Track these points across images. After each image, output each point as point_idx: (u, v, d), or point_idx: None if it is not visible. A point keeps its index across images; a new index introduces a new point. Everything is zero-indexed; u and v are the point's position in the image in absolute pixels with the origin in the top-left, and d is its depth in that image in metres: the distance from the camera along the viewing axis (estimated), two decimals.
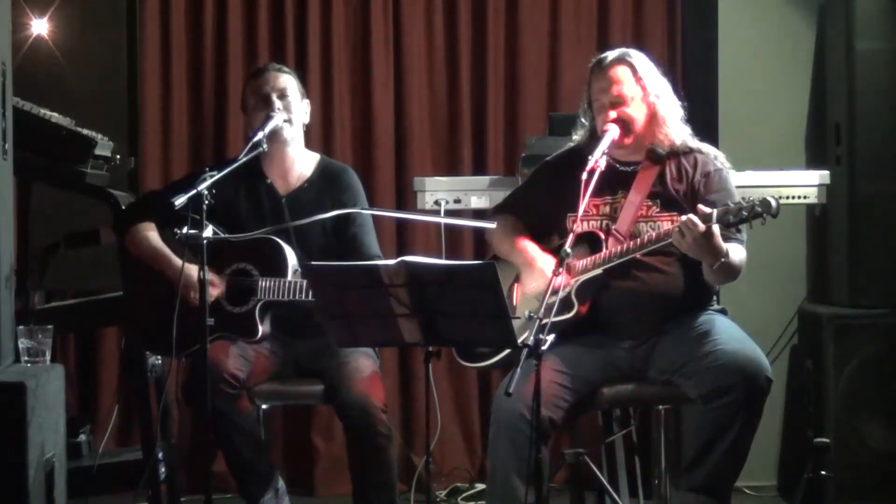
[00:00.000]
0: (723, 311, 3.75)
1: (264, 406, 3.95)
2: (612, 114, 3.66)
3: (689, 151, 3.74)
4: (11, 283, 3.46)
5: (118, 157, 4.31)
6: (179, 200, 3.44)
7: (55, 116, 4.03)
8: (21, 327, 3.47)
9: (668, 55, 5.15)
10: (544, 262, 3.70)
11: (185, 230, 3.48)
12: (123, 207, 4.10)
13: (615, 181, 3.72)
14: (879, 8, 4.75)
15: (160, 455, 4.17)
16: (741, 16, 5.23)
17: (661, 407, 3.92)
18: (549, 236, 3.89)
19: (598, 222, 3.71)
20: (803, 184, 4.49)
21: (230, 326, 3.80)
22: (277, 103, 3.94)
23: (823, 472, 4.10)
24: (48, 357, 3.46)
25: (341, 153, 5.08)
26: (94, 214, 4.26)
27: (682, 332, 3.62)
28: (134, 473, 4.16)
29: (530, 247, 3.77)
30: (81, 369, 5.10)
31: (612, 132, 3.62)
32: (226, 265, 3.84)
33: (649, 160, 3.73)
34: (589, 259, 3.63)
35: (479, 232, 4.69)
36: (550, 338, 3.11)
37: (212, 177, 3.50)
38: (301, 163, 4.05)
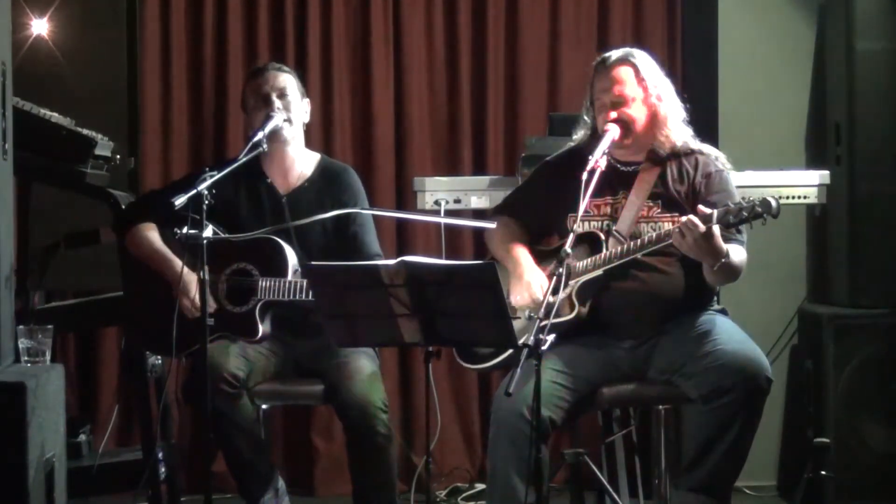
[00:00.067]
0: (723, 312, 3.75)
1: (264, 406, 3.94)
2: (613, 114, 3.66)
3: (691, 152, 3.74)
4: (11, 283, 3.46)
5: (118, 157, 4.31)
6: (179, 200, 3.44)
7: (55, 116, 4.03)
8: (21, 327, 3.47)
9: (668, 55, 5.14)
10: (533, 275, 3.69)
11: (185, 230, 3.48)
12: (123, 207, 4.10)
13: (616, 181, 3.72)
14: (879, 8, 4.75)
15: (160, 455, 4.17)
16: (741, 16, 5.23)
17: (661, 407, 3.92)
18: (549, 236, 3.89)
19: (599, 223, 3.71)
20: (803, 184, 4.49)
21: (230, 326, 3.80)
22: (277, 103, 3.94)
23: (823, 472, 4.10)
24: (48, 357, 3.46)
25: (341, 153, 5.08)
26: (94, 214, 4.26)
27: (683, 333, 3.62)
28: (134, 473, 4.16)
29: (523, 257, 3.76)
30: (81, 369, 5.10)
31: (613, 132, 3.62)
32: (226, 265, 3.84)
33: (650, 161, 3.73)
34: (589, 260, 3.63)
35: (479, 232, 4.68)
36: (551, 338, 3.11)
37: (212, 177, 3.50)
38: (301, 162, 4.05)
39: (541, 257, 3.78)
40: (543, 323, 3.16)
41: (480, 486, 4.96)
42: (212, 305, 3.75)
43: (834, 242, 4.92)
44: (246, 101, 4.03)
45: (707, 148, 3.78)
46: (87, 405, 5.06)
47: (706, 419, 3.52)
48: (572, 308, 3.62)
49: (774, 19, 5.26)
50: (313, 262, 3.53)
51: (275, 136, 3.90)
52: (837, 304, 4.83)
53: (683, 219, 3.45)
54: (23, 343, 3.44)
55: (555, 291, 3.34)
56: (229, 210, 3.94)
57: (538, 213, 3.85)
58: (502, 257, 3.80)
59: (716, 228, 3.42)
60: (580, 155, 3.62)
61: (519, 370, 3.12)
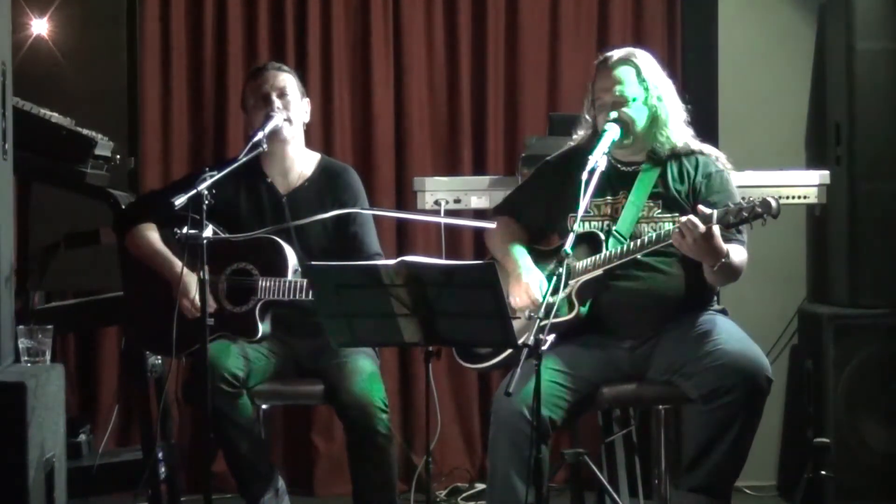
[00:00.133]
0: (723, 311, 3.74)
1: (264, 406, 3.94)
2: (613, 114, 3.66)
3: (691, 153, 3.74)
4: (11, 283, 3.46)
5: (118, 157, 4.31)
6: (179, 200, 3.44)
7: (55, 116, 4.03)
8: (21, 327, 3.47)
9: (668, 55, 5.14)
10: (531, 277, 3.69)
11: (185, 230, 3.47)
12: (123, 207, 4.10)
13: (616, 181, 3.72)
14: (879, 8, 4.75)
15: (160, 455, 4.17)
16: (741, 16, 5.23)
17: (661, 407, 3.92)
18: (549, 236, 3.89)
19: (599, 223, 3.71)
20: (803, 184, 4.49)
21: (230, 326, 3.80)
22: (277, 102, 3.94)
23: (823, 472, 4.09)
24: (48, 357, 3.46)
25: (341, 153, 5.08)
26: (94, 214, 4.26)
27: (683, 333, 3.62)
28: (134, 473, 4.16)
29: (521, 258, 3.76)
30: (81, 369, 5.10)
31: (612, 132, 3.62)
32: (226, 265, 3.84)
33: (650, 161, 3.73)
34: (589, 260, 3.63)
35: (479, 232, 4.68)
36: (550, 338, 3.11)
37: (212, 177, 3.50)
38: (301, 162, 4.05)
39: (541, 257, 3.78)
40: (543, 323, 3.16)
41: (480, 486, 4.96)
42: (212, 305, 3.75)
43: (834, 242, 4.92)
44: (246, 101, 4.03)
45: (707, 148, 3.77)
46: (87, 405, 5.06)
47: (706, 419, 3.52)
48: (572, 308, 3.61)
49: (774, 19, 5.27)
50: (313, 262, 3.53)
51: (275, 135, 3.90)
52: (837, 304, 4.83)
53: (683, 219, 3.45)
54: (23, 343, 3.44)
55: (555, 291, 3.33)
56: (229, 210, 3.94)
57: (538, 213, 3.85)
58: (502, 257, 3.80)
59: (716, 229, 3.42)
60: (581, 154, 3.61)
61: (519, 370, 3.12)
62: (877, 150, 4.75)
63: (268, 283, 3.78)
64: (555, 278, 3.31)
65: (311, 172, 4.05)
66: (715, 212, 3.42)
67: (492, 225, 3.83)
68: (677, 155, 3.73)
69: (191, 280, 3.75)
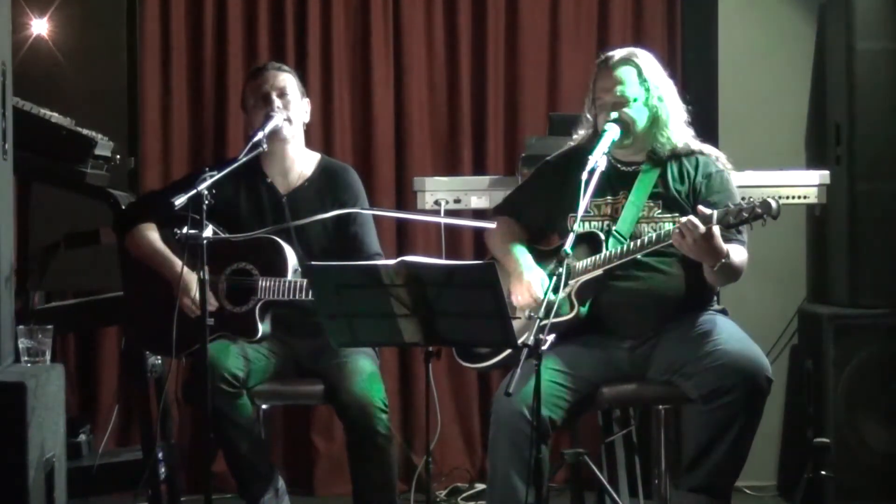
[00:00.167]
0: (723, 311, 3.74)
1: (264, 406, 3.94)
2: (614, 114, 3.65)
3: (691, 153, 3.74)
4: (11, 283, 3.46)
5: (118, 157, 4.31)
6: (179, 200, 3.44)
7: (55, 116, 4.03)
8: (21, 327, 3.47)
9: (668, 55, 5.14)
10: (533, 275, 3.69)
11: (185, 230, 3.47)
12: (123, 207, 4.10)
13: (616, 181, 3.72)
14: (879, 8, 4.75)
15: (160, 455, 4.17)
16: (741, 16, 5.23)
17: (661, 407, 3.92)
18: (549, 236, 3.89)
19: (599, 223, 3.71)
20: (803, 184, 4.49)
21: (230, 326, 3.80)
22: (277, 102, 3.94)
23: (823, 472, 4.10)
24: (48, 357, 3.46)
25: (341, 153, 5.08)
26: (94, 214, 4.26)
27: (683, 333, 3.62)
28: (134, 473, 4.16)
29: (522, 257, 3.75)
30: (81, 369, 5.10)
31: (612, 132, 3.62)
32: (226, 265, 3.84)
33: (650, 161, 3.73)
34: (589, 259, 3.63)
35: (479, 232, 4.68)
36: (551, 338, 3.11)
37: (212, 177, 3.49)
38: (301, 162, 4.05)
39: (541, 257, 3.78)
40: (543, 323, 3.16)
41: (480, 486, 4.96)
42: (214, 303, 3.76)
43: (834, 242, 4.92)
44: (246, 101, 4.03)
45: (707, 148, 3.77)
46: (87, 405, 5.06)
47: (706, 419, 3.52)
48: (572, 308, 3.61)
49: (774, 19, 5.27)
50: (313, 262, 3.53)
51: (275, 135, 3.90)
52: (837, 304, 4.83)
53: (683, 219, 3.45)
54: (23, 343, 3.44)
55: (555, 291, 3.33)
56: (229, 210, 3.94)
57: (539, 213, 3.85)
58: (502, 256, 3.80)
59: (716, 229, 3.41)
60: (581, 154, 3.60)
61: (519, 370, 3.11)
62: (877, 150, 4.75)
63: (268, 283, 3.78)
64: (555, 278, 3.31)
65: (311, 172, 4.05)
66: (715, 212, 3.42)
67: (492, 225, 3.83)
68: (677, 155, 3.73)
69: (191, 278, 3.75)
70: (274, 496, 3.88)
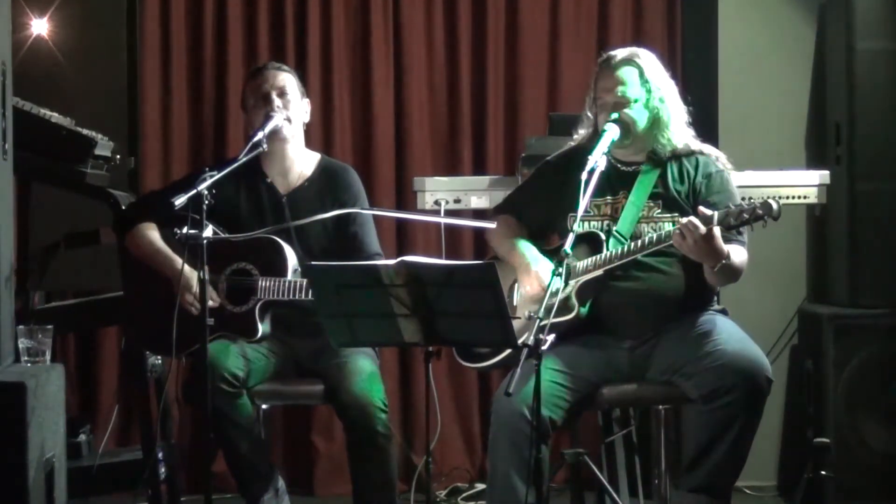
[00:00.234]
0: (723, 311, 3.74)
1: (264, 406, 3.94)
2: (614, 114, 3.65)
3: (691, 153, 3.74)
4: (11, 283, 3.46)
5: (118, 157, 4.31)
6: (179, 200, 3.44)
7: (55, 116, 4.03)
8: (21, 327, 3.47)
9: (668, 55, 5.13)
10: (540, 265, 3.69)
11: (185, 230, 3.47)
12: (123, 207, 4.10)
13: (616, 181, 3.72)
14: (879, 8, 4.75)
15: (160, 455, 4.17)
16: (741, 16, 5.23)
17: (661, 407, 3.92)
18: (549, 236, 3.89)
19: (599, 223, 3.71)
20: (803, 184, 4.49)
21: (230, 326, 3.80)
22: (277, 101, 3.94)
23: (823, 472, 4.10)
24: (48, 357, 3.46)
25: (341, 153, 5.08)
26: (94, 214, 4.26)
27: (683, 333, 3.62)
28: (134, 473, 4.16)
29: (528, 249, 3.75)
30: (81, 369, 5.10)
31: (612, 132, 3.61)
32: (226, 265, 3.84)
33: (650, 161, 3.73)
34: (590, 260, 3.63)
35: (479, 232, 4.69)
36: (550, 338, 3.11)
37: (212, 177, 3.49)
38: (301, 162, 4.05)
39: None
40: (543, 323, 3.16)
41: (480, 486, 4.96)
42: (216, 300, 3.76)
43: (834, 242, 4.92)
44: (246, 101, 4.03)
45: (707, 148, 3.77)
46: (87, 405, 5.06)
47: (706, 419, 3.52)
48: (572, 308, 3.61)
49: (774, 19, 5.27)
50: (313, 262, 3.53)
51: (275, 135, 3.90)
52: (837, 304, 4.83)
53: (684, 220, 3.44)
54: (23, 343, 3.44)
55: (554, 292, 3.33)
56: (229, 210, 3.94)
57: (539, 213, 3.85)
58: (507, 252, 3.79)
59: (716, 230, 3.41)
60: (581, 154, 3.59)
61: (519, 370, 3.11)
62: (877, 150, 4.75)
63: (268, 283, 3.78)
64: (555, 278, 3.30)
65: (311, 172, 4.05)
66: (716, 213, 3.42)
67: (491, 225, 3.82)
68: (677, 155, 3.73)
69: (192, 276, 3.74)
70: (274, 496, 3.88)
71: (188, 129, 5.17)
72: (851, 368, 4.68)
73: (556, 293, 3.36)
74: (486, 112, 5.23)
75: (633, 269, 3.62)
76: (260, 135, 3.80)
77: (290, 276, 3.78)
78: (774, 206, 3.37)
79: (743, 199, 3.46)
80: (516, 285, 3.76)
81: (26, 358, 3.43)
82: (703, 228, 3.39)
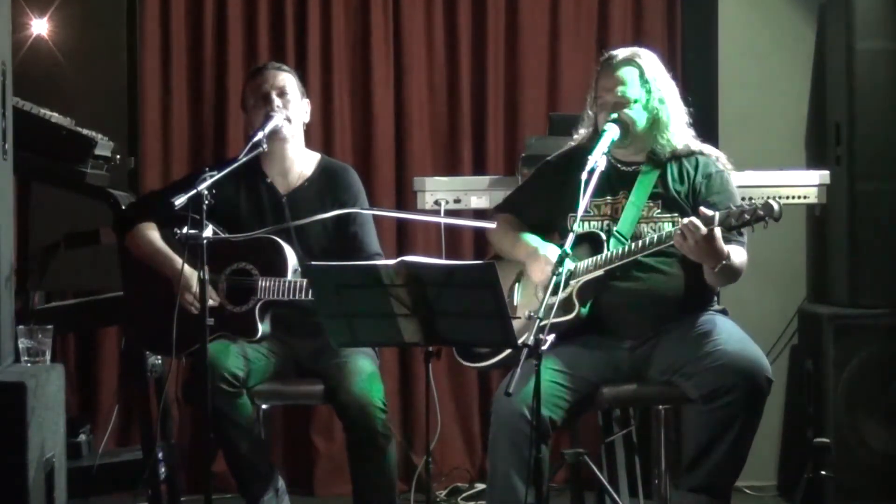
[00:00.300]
0: (723, 312, 3.74)
1: (264, 406, 3.94)
2: (614, 114, 3.65)
3: (691, 153, 3.74)
4: (11, 283, 3.46)
5: (118, 157, 4.31)
6: (179, 200, 3.44)
7: (55, 116, 4.03)
8: (21, 327, 3.47)
9: (668, 55, 5.13)
10: (549, 250, 3.68)
11: (185, 230, 3.47)
12: (123, 207, 4.10)
13: (616, 181, 3.72)
14: (879, 8, 4.75)
15: (160, 455, 4.17)
16: (741, 16, 5.24)
17: (661, 407, 3.92)
18: (550, 236, 3.88)
19: (599, 223, 3.71)
20: (803, 184, 4.49)
21: (230, 326, 3.80)
22: (277, 101, 3.94)
23: (823, 472, 4.10)
24: (48, 357, 3.46)
25: (341, 153, 5.08)
26: (94, 214, 4.26)
27: (683, 333, 3.62)
28: (134, 473, 4.16)
29: (532, 238, 3.75)
30: (81, 369, 5.10)
31: (612, 132, 3.61)
32: (226, 265, 3.84)
33: (650, 161, 3.73)
34: (590, 260, 3.63)
35: (480, 232, 4.69)
36: (550, 338, 3.11)
37: (212, 177, 3.49)
38: (301, 161, 4.05)
39: None
40: (543, 323, 3.16)
41: (480, 486, 4.96)
42: (216, 300, 3.76)
43: (834, 242, 4.92)
44: (246, 101, 4.03)
45: (707, 148, 3.77)
46: (87, 405, 5.06)
47: (706, 419, 3.52)
48: (572, 308, 3.61)
49: (774, 19, 5.27)
50: (313, 262, 3.53)
51: (275, 135, 3.90)
52: (837, 304, 4.83)
53: (685, 221, 3.44)
54: (23, 343, 3.44)
55: (555, 291, 3.33)
56: (229, 210, 3.94)
57: (539, 212, 3.85)
58: (510, 248, 3.79)
59: (717, 231, 3.41)
60: (581, 154, 3.59)
61: (519, 370, 3.11)
62: (877, 150, 4.75)
63: (268, 283, 3.78)
64: (555, 278, 3.30)
65: (311, 172, 4.05)
66: (717, 214, 3.42)
67: (491, 225, 3.82)
68: (677, 156, 3.72)
69: (192, 275, 3.74)
70: (274, 496, 3.88)
71: (188, 129, 5.17)
72: (851, 368, 4.68)
73: (556, 292, 3.35)
74: (486, 112, 5.23)
75: (634, 269, 3.62)
76: (260, 135, 3.80)
77: (290, 276, 3.78)
78: (776, 206, 3.36)
79: (743, 199, 3.46)
80: (517, 285, 3.77)
81: (26, 358, 3.43)
82: (704, 229, 3.39)
